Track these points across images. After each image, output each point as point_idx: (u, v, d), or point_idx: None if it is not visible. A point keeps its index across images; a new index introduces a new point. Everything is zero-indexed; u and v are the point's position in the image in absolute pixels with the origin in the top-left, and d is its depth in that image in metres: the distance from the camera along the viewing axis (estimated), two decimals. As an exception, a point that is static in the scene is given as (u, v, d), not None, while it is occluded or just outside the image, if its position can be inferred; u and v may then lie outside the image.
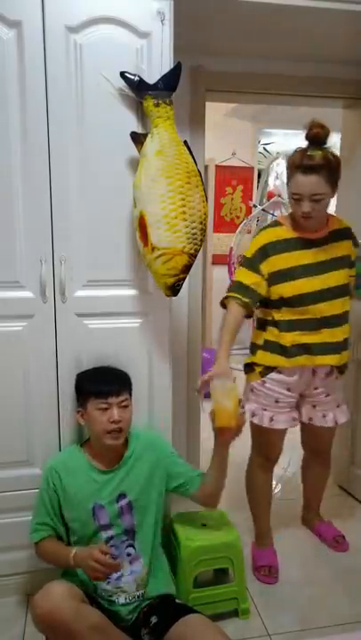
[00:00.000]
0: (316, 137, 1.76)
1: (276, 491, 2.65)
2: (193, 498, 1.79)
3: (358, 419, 2.48)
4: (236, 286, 1.90)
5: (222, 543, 1.82)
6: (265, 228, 2.01)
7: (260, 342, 1.96)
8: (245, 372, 2.04)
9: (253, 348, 2.00)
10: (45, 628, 1.43)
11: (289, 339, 1.88)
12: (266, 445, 2.05)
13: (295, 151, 1.79)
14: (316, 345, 1.88)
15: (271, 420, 1.95)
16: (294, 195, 1.79)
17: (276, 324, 1.91)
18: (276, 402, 1.94)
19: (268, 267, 1.87)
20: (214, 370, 1.80)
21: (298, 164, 1.75)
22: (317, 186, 1.74)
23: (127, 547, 1.66)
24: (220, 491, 1.80)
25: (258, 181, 5.20)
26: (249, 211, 5.07)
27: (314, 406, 1.99)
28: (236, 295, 1.88)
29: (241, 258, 1.97)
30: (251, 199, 5.11)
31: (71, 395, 1.79)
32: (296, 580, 2.04)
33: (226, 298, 1.91)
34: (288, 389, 1.94)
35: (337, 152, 1.90)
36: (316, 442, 2.13)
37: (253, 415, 1.98)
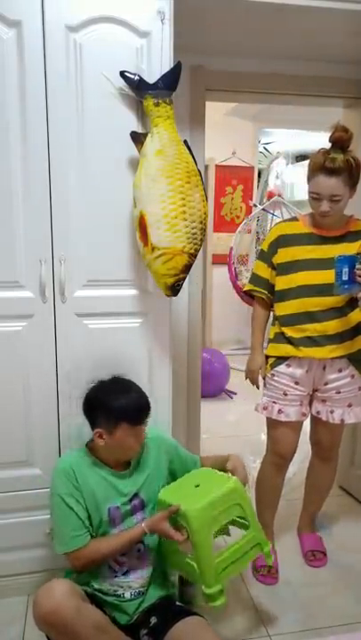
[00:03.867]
0: (339, 140, 1.81)
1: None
2: None
3: (359, 419, 2.47)
4: (256, 279, 2.06)
5: (224, 492, 1.61)
6: (281, 221, 2.11)
7: (271, 336, 2.04)
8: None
9: (268, 342, 2.07)
10: (47, 627, 1.42)
11: (290, 332, 1.94)
12: (278, 440, 2.05)
13: (318, 152, 1.84)
14: (315, 337, 1.90)
15: (280, 412, 1.98)
16: (313, 194, 1.85)
17: (277, 318, 2.00)
18: (285, 395, 1.98)
19: (276, 259, 1.98)
20: (250, 365, 2.01)
21: (320, 165, 1.80)
22: (336, 188, 1.80)
23: (137, 542, 1.65)
24: None
25: (258, 181, 5.21)
26: (249, 210, 5.07)
27: (324, 401, 2.00)
28: (259, 290, 2.05)
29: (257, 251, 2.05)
30: (251, 199, 5.11)
31: (71, 394, 1.79)
32: (296, 580, 2.04)
33: (251, 290, 2.08)
34: (296, 383, 1.96)
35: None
36: (321, 436, 2.12)
37: (265, 409, 2.02)
